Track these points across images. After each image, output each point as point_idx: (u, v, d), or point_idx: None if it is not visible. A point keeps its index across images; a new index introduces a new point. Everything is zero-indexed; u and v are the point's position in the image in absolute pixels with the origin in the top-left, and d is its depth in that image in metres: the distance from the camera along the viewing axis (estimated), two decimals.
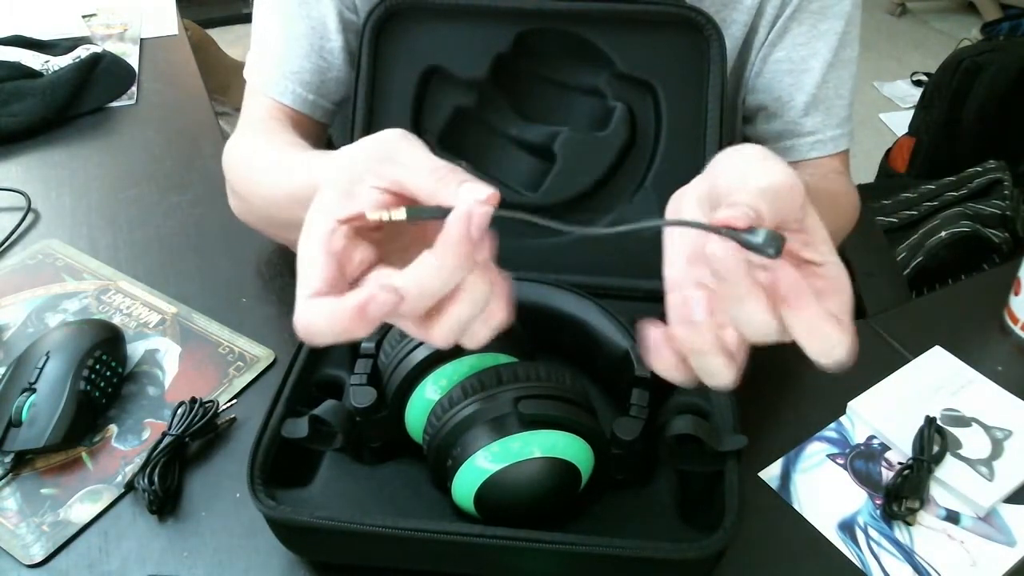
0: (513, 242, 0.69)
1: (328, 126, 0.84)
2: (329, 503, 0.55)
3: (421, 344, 0.55)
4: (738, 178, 0.42)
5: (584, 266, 0.69)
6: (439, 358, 0.55)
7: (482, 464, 0.50)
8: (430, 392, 0.55)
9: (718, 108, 0.69)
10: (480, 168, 0.70)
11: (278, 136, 0.74)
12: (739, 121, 0.86)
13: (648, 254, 0.69)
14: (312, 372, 0.62)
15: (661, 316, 0.65)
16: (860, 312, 0.90)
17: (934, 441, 0.64)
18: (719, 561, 0.52)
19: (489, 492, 0.51)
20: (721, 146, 0.68)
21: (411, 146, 0.44)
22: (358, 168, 0.43)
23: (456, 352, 0.55)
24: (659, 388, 0.58)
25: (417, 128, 0.70)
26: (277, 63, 0.78)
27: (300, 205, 0.58)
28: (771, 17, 0.77)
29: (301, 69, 0.77)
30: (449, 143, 0.71)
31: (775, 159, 0.43)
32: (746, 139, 0.86)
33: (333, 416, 0.55)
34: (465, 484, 0.51)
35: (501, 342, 0.57)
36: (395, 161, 0.43)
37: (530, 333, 0.60)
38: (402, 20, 0.70)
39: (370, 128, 0.70)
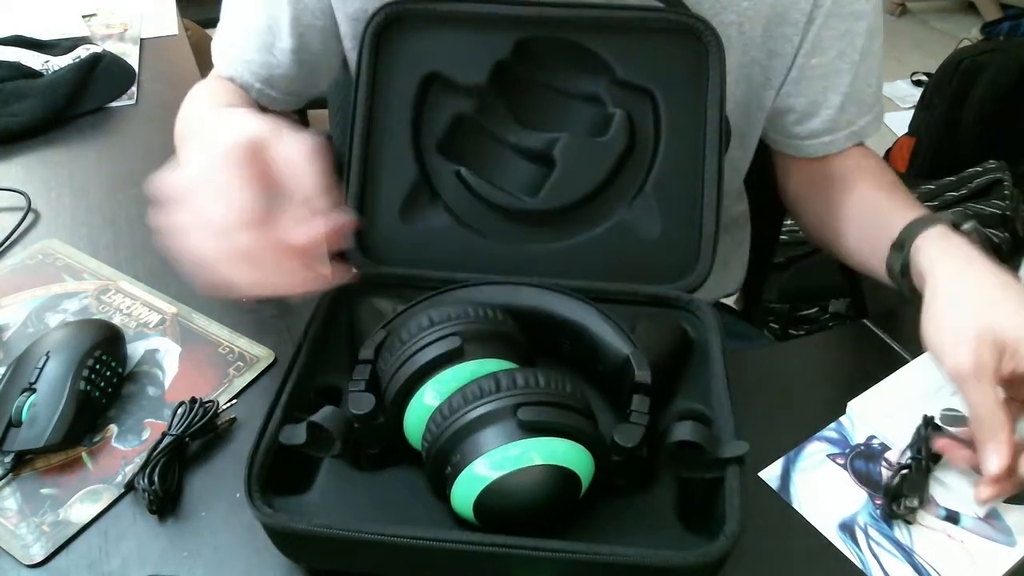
0: (513, 247, 0.70)
1: (286, 116, 0.87)
2: (327, 510, 0.55)
3: (420, 350, 0.55)
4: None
5: (584, 271, 0.69)
6: (438, 364, 0.54)
7: (481, 471, 0.50)
8: (429, 399, 0.54)
9: (717, 113, 0.69)
10: (479, 173, 0.70)
11: (233, 96, 0.82)
12: (762, 119, 0.85)
13: (648, 259, 0.70)
14: (311, 378, 0.61)
15: (661, 320, 0.65)
16: (860, 312, 0.90)
17: (930, 440, 0.64)
18: (720, 567, 0.52)
19: (489, 499, 0.51)
20: (720, 150, 0.68)
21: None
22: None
23: (455, 358, 0.55)
24: (659, 394, 0.58)
25: (417, 134, 0.70)
26: (233, 47, 0.83)
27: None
28: (801, 24, 0.77)
29: (252, 60, 0.82)
30: (448, 149, 0.71)
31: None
32: (763, 136, 0.87)
33: (331, 422, 0.55)
34: (464, 491, 0.51)
35: (501, 348, 0.57)
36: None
37: (530, 339, 0.60)
38: (402, 26, 0.70)
39: (370, 134, 0.70)
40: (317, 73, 0.84)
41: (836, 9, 0.76)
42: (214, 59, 0.85)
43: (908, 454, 0.63)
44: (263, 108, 0.84)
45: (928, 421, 0.65)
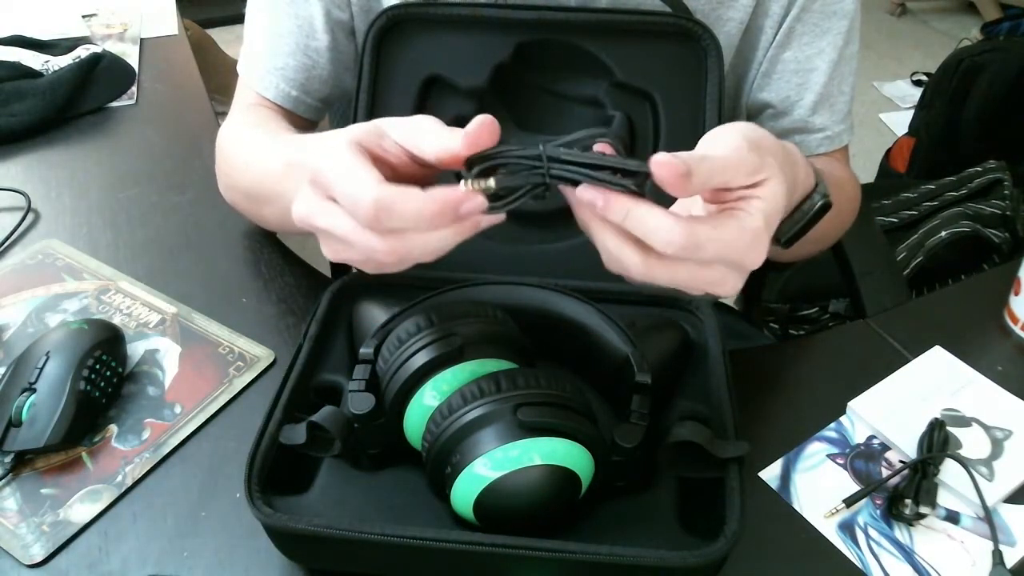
0: (513, 247, 0.70)
1: (315, 124, 0.85)
2: (327, 510, 0.55)
3: (420, 350, 0.55)
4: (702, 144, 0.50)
5: (584, 270, 0.69)
6: (438, 364, 0.54)
7: (481, 471, 0.50)
8: (429, 398, 0.55)
9: (716, 116, 0.69)
10: None
11: (269, 123, 0.77)
12: (743, 119, 0.86)
13: None
14: (310, 377, 0.62)
15: (661, 320, 0.65)
16: (860, 312, 0.90)
17: (942, 443, 0.64)
18: (720, 567, 0.52)
19: (488, 499, 0.51)
20: None
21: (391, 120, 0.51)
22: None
23: (455, 358, 0.55)
24: (660, 394, 0.58)
25: None
26: (263, 59, 0.80)
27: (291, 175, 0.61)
28: (778, 17, 0.77)
29: (286, 66, 0.79)
30: None
31: (739, 136, 0.50)
32: None
33: (331, 422, 0.55)
34: (464, 491, 0.51)
35: (501, 348, 0.57)
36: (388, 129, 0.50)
37: (530, 338, 0.60)
38: (404, 29, 0.70)
39: None
40: (348, 72, 0.82)
41: (815, 5, 0.76)
42: (242, 76, 0.82)
43: (916, 459, 0.63)
44: (299, 123, 0.81)
45: (940, 424, 0.65)
